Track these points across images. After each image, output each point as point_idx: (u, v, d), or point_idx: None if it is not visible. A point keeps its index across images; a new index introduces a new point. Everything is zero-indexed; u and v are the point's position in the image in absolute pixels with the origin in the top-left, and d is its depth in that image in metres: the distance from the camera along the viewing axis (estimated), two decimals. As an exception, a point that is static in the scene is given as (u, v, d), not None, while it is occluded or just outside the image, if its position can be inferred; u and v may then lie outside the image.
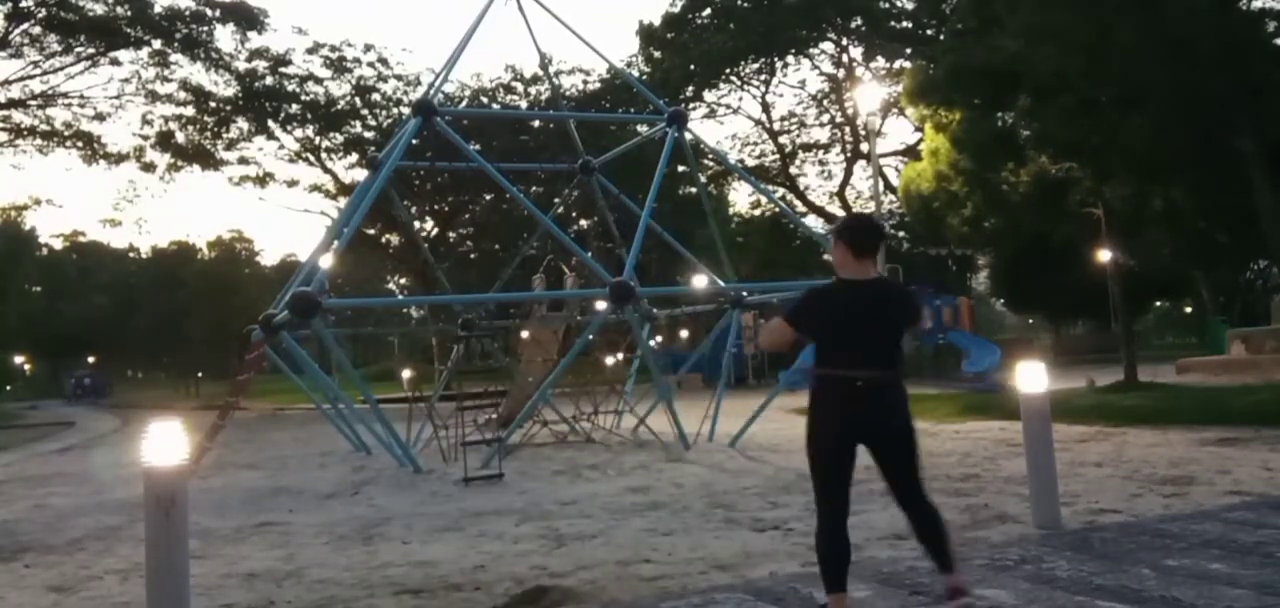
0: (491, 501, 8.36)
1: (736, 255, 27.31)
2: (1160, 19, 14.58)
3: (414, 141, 13.46)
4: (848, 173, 44.17)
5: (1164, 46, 14.57)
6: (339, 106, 38.42)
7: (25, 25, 32.12)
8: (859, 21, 38.60)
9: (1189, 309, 55.97)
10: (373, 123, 38.67)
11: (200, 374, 65.44)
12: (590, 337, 12.80)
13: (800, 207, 41.54)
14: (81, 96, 35.33)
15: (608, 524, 6.88)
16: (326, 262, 12.63)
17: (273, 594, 5.30)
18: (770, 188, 39.75)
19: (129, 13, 33.09)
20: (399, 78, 38.71)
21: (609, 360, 16.44)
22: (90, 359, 74.08)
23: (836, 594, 3.77)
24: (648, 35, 39.98)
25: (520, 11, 15.16)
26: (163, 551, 4.46)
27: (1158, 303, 54.28)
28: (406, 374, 29.64)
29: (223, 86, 36.51)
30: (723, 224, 31.45)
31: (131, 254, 68.04)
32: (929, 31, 34.09)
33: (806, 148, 45.23)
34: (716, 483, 8.76)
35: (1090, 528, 5.78)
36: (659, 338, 21.77)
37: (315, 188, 40.66)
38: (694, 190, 28.35)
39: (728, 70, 40.36)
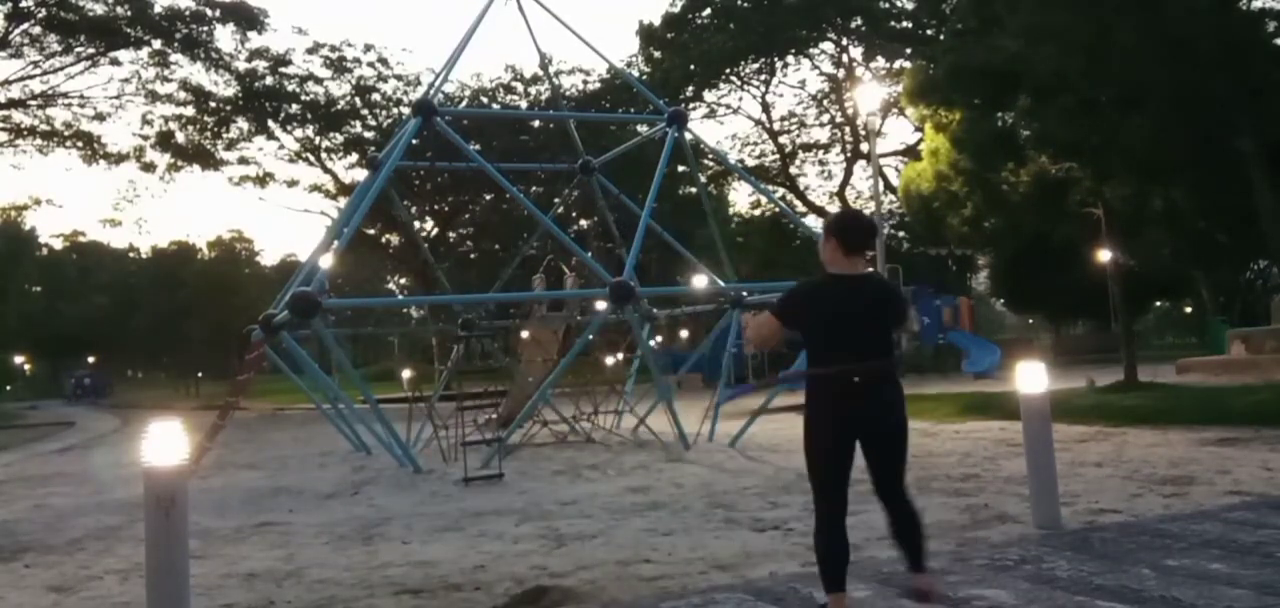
0: (491, 501, 8.35)
1: (736, 255, 27.30)
2: (1160, 19, 14.58)
3: (414, 142, 13.47)
4: (848, 173, 44.21)
5: (1164, 46, 14.57)
6: (339, 106, 38.43)
7: (25, 25, 32.13)
8: (859, 21, 38.61)
9: (1189, 309, 55.97)
10: (373, 123, 38.68)
11: (200, 374, 65.47)
12: (590, 337, 12.80)
13: (800, 206, 41.54)
14: (81, 96, 35.37)
15: (608, 524, 6.88)
16: (326, 262, 12.63)
17: (273, 594, 5.30)
18: (770, 188, 39.77)
19: (129, 13, 33.10)
20: (399, 78, 38.76)
21: (609, 360, 16.44)
22: (90, 359, 74.11)
23: (836, 594, 3.76)
24: (648, 35, 39.98)
25: (520, 11, 15.18)
26: (163, 551, 4.46)
27: (1158, 303, 54.27)
28: (406, 374, 29.64)
29: (223, 86, 36.56)
30: (723, 224, 31.44)
31: (131, 254, 68.13)
32: (929, 31, 34.10)
33: (806, 148, 45.26)
34: (716, 483, 8.76)
35: (1090, 528, 5.78)
36: (659, 338, 21.76)
37: (315, 188, 40.71)
38: (694, 190, 28.36)
39: (728, 70, 40.37)
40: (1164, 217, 18.28)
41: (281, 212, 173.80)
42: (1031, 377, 6.00)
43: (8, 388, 69.47)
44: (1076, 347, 43.57)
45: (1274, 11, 16.94)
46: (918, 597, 3.84)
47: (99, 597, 5.53)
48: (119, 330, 69.29)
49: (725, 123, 76.51)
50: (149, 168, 38.26)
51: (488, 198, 39.70)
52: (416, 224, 38.25)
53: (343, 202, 34.05)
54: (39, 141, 35.43)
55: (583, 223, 35.20)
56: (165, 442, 4.50)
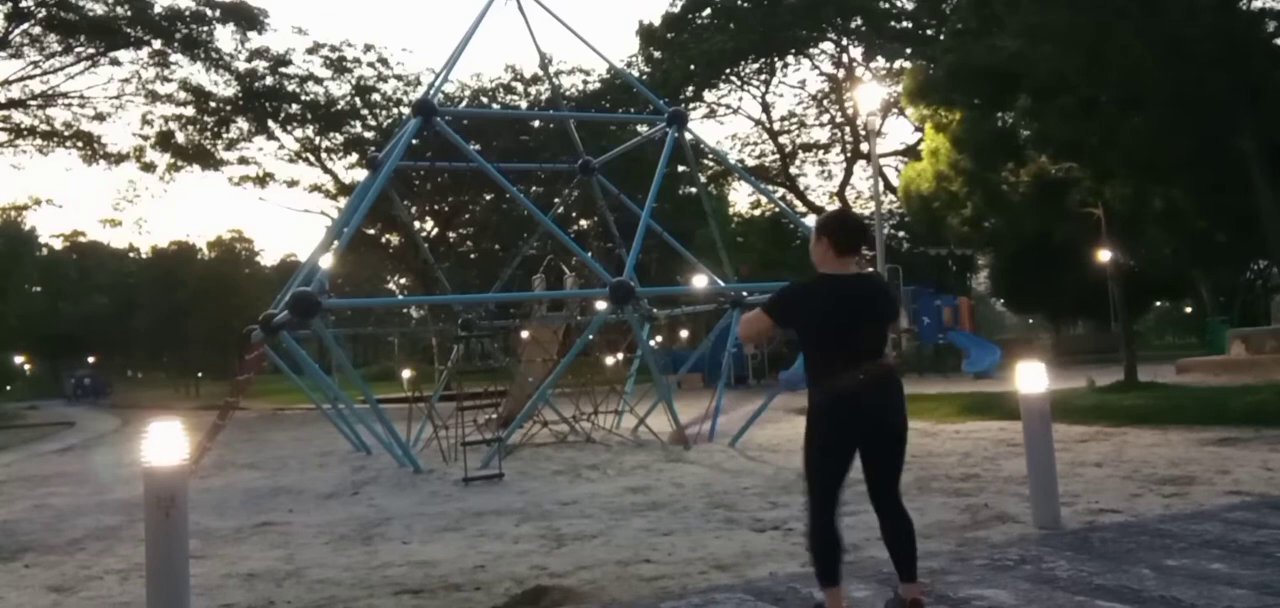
0: (491, 501, 8.35)
1: (736, 256, 27.30)
2: (1160, 19, 14.59)
3: (414, 142, 13.46)
4: (848, 173, 44.23)
5: (1164, 47, 14.58)
6: (339, 107, 38.45)
7: (25, 25, 32.14)
8: (859, 21, 38.62)
9: (1189, 309, 55.98)
10: (373, 123, 38.70)
11: (200, 374, 65.44)
12: (590, 337, 12.80)
13: (800, 206, 41.56)
14: (81, 96, 35.39)
15: (608, 524, 6.88)
16: (326, 262, 12.63)
17: (273, 594, 5.30)
18: (770, 188, 39.79)
19: (129, 13, 33.10)
20: (399, 78, 38.79)
21: (609, 360, 16.45)
22: (90, 359, 74.11)
23: (831, 589, 3.77)
24: (648, 35, 40.00)
25: (520, 11, 15.17)
26: (163, 551, 4.46)
27: (1158, 303, 54.29)
28: (407, 374, 29.67)
29: (223, 86, 36.58)
30: (723, 224, 31.44)
31: (131, 254, 68.12)
32: (929, 31, 34.10)
33: (806, 148, 45.30)
34: (716, 483, 8.76)
35: (1090, 528, 5.78)
36: (659, 338, 21.77)
37: (315, 188, 40.73)
38: (694, 190, 28.38)
39: (728, 70, 40.39)
40: (1164, 217, 18.28)
41: (281, 212, 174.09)
42: (1031, 377, 5.99)
43: (8, 388, 69.41)
44: (1076, 347, 43.54)
45: (1274, 11, 16.95)
46: (909, 607, 3.84)
47: (99, 597, 5.53)
48: (119, 330, 69.31)
49: (725, 123, 76.67)
50: (149, 168, 38.31)
51: (488, 198, 39.72)
52: (416, 224, 38.26)
53: (343, 202, 34.07)
54: (39, 141, 35.48)
55: (583, 223, 35.23)
56: (165, 442, 4.50)
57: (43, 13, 31.92)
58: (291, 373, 14.71)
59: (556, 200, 21.43)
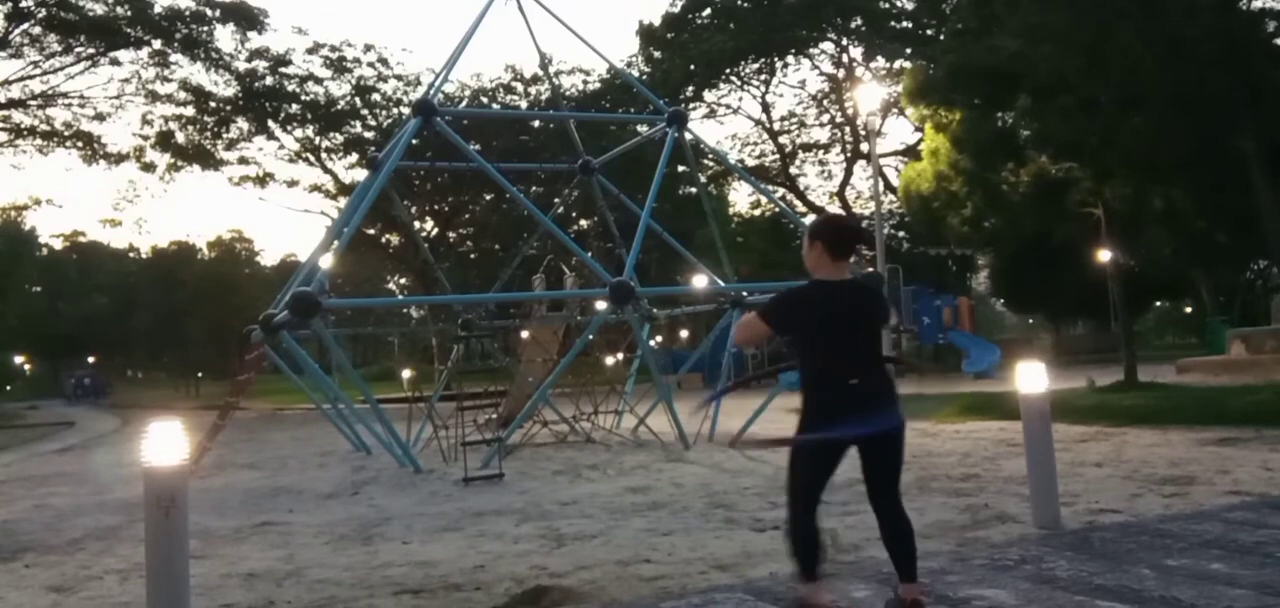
0: (491, 501, 8.35)
1: (736, 256, 27.31)
2: (1160, 19, 14.60)
3: (414, 142, 13.46)
4: (848, 173, 44.25)
5: (1164, 47, 14.59)
6: (339, 107, 38.47)
7: (25, 25, 32.15)
8: (859, 21, 38.63)
9: (1189, 309, 56.00)
10: (373, 123, 38.73)
11: (200, 374, 65.46)
12: (590, 337, 12.79)
13: (800, 206, 41.58)
14: (81, 96, 35.43)
15: (608, 524, 6.88)
16: (326, 262, 12.63)
17: (273, 594, 5.29)
18: (770, 188, 39.79)
19: (129, 13, 33.13)
20: (399, 78, 38.82)
21: (609, 360, 16.44)
22: (90, 359, 74.11)
23: (812, 583, 3.78)
24: (648, 35, 40.01)
25: (520, 11, 15.17)
26: (163, 551, 4.45)
27: (1158, 303, 54.32)
28: (407, 374, 29.68)
29: (223, 86, 36.63)
30: (723, 224, 31.47)
31: (131, 254, 68.17)
32: (929, 31, 34.12)
33: (806, 148, 45.32)
34: (716, 483, 8.76)
35: (1090, 528, 5.77)
36: (659, 338, 21.77)
37: (315, 188, 40.78)
38: (694, 190, 28.38)
39: (728, 70, 40.40)
40: (1164, 217, 18.30)
41: (281, 212, 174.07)
42: (1031, 377, 5.99)
43: (8, 388, 69.46)
44: (1076, 347, 43.59)
45: (1274, 11, 16.97)
46: None
47: (99, 597, 5.53)
48: (119, 330, 69.35)
49: (725, 123, 76.64)
50: (149, 168, 38.36)
51: (488, 198, 39.74)
52: (416, 224, 38.27)
53: (343, 202, 34.08)
54: (39, 141, 35.52)
55: (583, 223, 35.24)
56: (165, 442, 4.50)
57: (43, 13, 31.95)
58: (291, 373, 14.71)
59: (556, 200, 21.43)
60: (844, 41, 40.59)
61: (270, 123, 38.20)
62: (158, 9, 33.70)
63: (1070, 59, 15.49)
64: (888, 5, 38.62)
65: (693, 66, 38.95)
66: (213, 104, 36.95)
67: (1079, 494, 6.92)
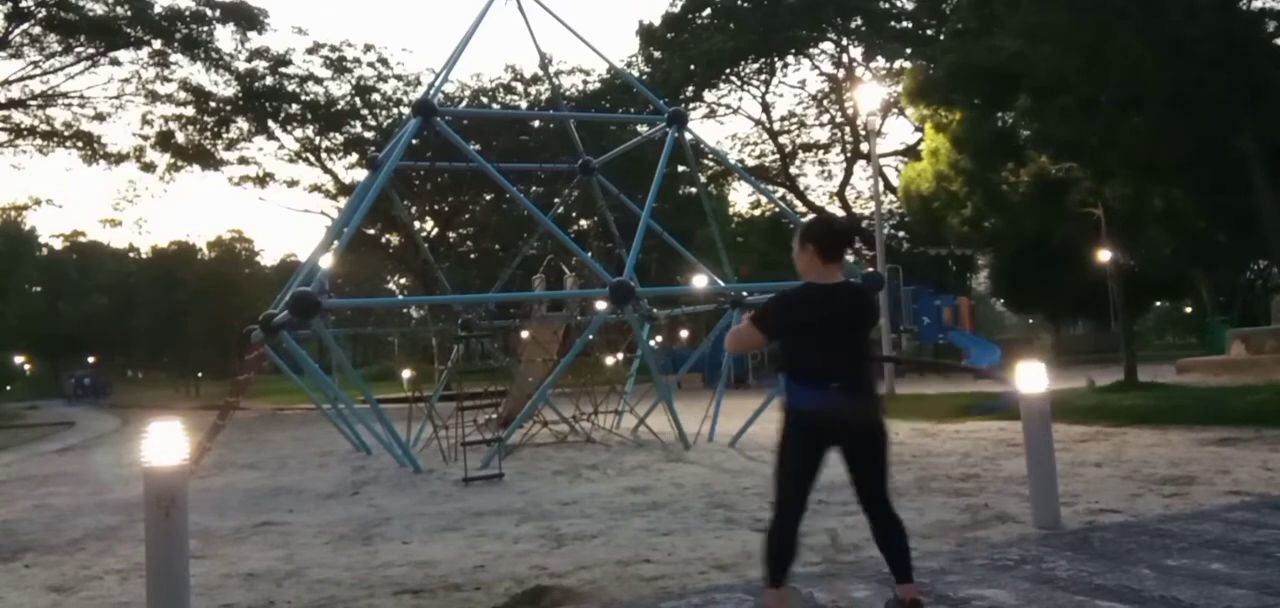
0: (491, 501, 8.35)
1: (736, 256, 27.32)
2: (1160, 19, 14.59)
3: (414, 142, 13.46)
4: (848, 173, 44.25)
5: (1164, 47, 14.58)
6: (339, 106, 38.48)
7: (25, 25, 32.15)
8: (859, 21, 38.64)
9: (1189, 309, 56.01)
10: (373, 123, 38.73)
11: (200, 374, 65.48)
12: (590, 337, 12.79)
13: (800, 207, 41.58)
14: (81, 96, 35.44)
15: (608, 524, 6.88)
16: (326, 262, 12.62)
17: (273, 594, 5.29)
18: (770, 188, 39.80)
19: (129, 13, 33.13)
20: (399, 78, 38.83)
21: (609, 360, 16.44)
22: (90, 359, 74.13)
23: (775, 590, 3.78)
24: (648, 35, 40.01)
25: (520, 11, 15.17)
26: (163, 551, 4.46)
27: (1158, 303, 54.32)
28: (407, 374, 29.69)
29: (223, 86, 36.63)
30: (723, 224, 31.48)
31: (131, 254, 68.20)
32: (929, 31, 34.13)
33: (806, 148, 45.32)
34: (716, 483, 8.76)
35: (1090, 528, 5.78)
36: (659, 338, 21.77)
37: (315, 188, 40.78)
38: (694, 190, 28.38)
39: (728, 70, 40.40)
40: (1164, 217, 18.30)
41: (281, 212, 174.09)
42: (1031, 377, 6.00)
43: (8, 388, 69.48)
44: (1076, 347, 43.61)
45: (1274, 11, 16.96)
46: None
47: (99, 597, 5.53)
48: (119, 330, 69.36)
49: (725, 123, 76.67)
50: (149, 168, 38.36)
51: (488, 198, 39.75)
52: (416, 224, 38.27)
53: (343, 202, 34.09)
54: (39, 141, 35.52)
55: (583, 223, 35.24)
56: (165, 442, 4.50)
57: (43, 13, 31.95)
58: (291, 373, 14.71)
59: (556, 200, 21.44)
60: (844, 41, 40.60)
61: (270, 123, 38.21)
62: (158, 9, 33.74)
63: (1070, 59, 15.48)
64: (888, 5, 38.62)
65: (693, 66, 38.95)
66: (213, 104, 36.96)
67: (1079, 494, 6.92)
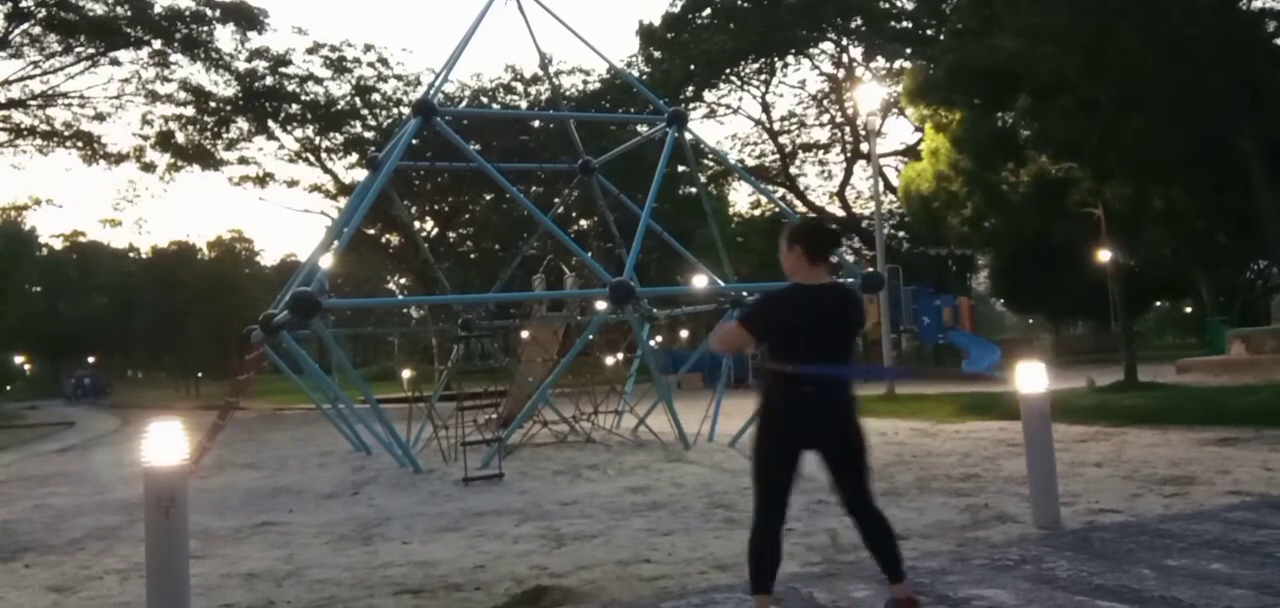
0: (491, 501, 8.35)
1: (736, 256, 27.32)
2: (1160, 19, 14.60)
3: (414, 142, 13.46)
4: (848, 173, 44.26)
5: (1164, 47, 14.59)
6: (339, 107, 38.48)
7: (25, 25, 32.15)
8: (859, 21, 38.64)
9: (1189, 309, 56.01)
10: (373, 123, 38.74)
11: (200, 374, 65.49)
12: (590, 337, 12.79)
13: (800, 206, 41.59)
14: (81, 96, 35.45)
15: (608, 524, 6.88)
16: (326, 262, 12.62)
17: (273, 594, 5.29)
18: (770, 188, 39.79)
19: (129, 13, 33.14)
20: (399, 78, 38.83)
21: (609, 360, 16.44)
22: (90, 359, 74.12)
23: (762, 596, 3.76)
24: (648, 35, 40.01)
25: (520, 11, 15.17)
26: (163, 551, 4.46)
27: (1158, 303, 54.32)
28: (407, 374, 29.69)
29: (223, 86, 36.64)
30: (723, 224, 31.46)
31: (131, 254, 68.20)
32: (929, 31, 34.13)
33: (806, 148, 45.32)
34: (716, 483, 8.76)
35: (1090, 528, 5.78)
36: (659, 338, 21.77)
37: (315, 188, 40.79)
38: (694, 190, 28.38)
39: (728, 70, 40.40)
40: (1164, 217, 18.30)
41: (281, 212, 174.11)
42: (1031, 377, 5.99)
43: (8, 388, 69.49)
44: (1076, 347, 43.62)
45: (1274, 11, 16.97)
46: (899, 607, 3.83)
47: (99, 597, 5.53)
48: (119, 330, 69.35)
49: (725, 123, 76.70)
50: (149, 168, 38.36)
51: (488, 198, 39.75)
52: (416, 224, 38.28)
53: (343, 202, 34.09)
54: (39, 141, 35.53)
55: (583, 223, 35.24)
56: (165, 442, 4.50)
57: (43, 13, 31.95)
58: (291, 373, 14.71)
59: (556, 200, 21.44)
60: (844, 41, 40.60)
61: (270, 123, 38.22)
62: (158, 9, 33.74)
63: (1070, 59, 15.49)
64: (888, 5, 38.62)
65: (693, 66, 38.95)
66: (213, 104, 36.97)
67: (1079, 494, 6.92)
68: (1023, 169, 17.34)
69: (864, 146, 39.30)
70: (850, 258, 30.92)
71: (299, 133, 39.08)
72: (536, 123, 37.94)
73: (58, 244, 70.38)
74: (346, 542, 6.80)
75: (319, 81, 37.82)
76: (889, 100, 35.96)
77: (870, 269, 17.90)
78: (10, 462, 15.87)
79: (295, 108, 38.03)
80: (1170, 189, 17.07)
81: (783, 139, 44.44)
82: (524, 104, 39.77)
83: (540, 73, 34.56)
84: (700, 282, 15.25)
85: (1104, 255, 22.03)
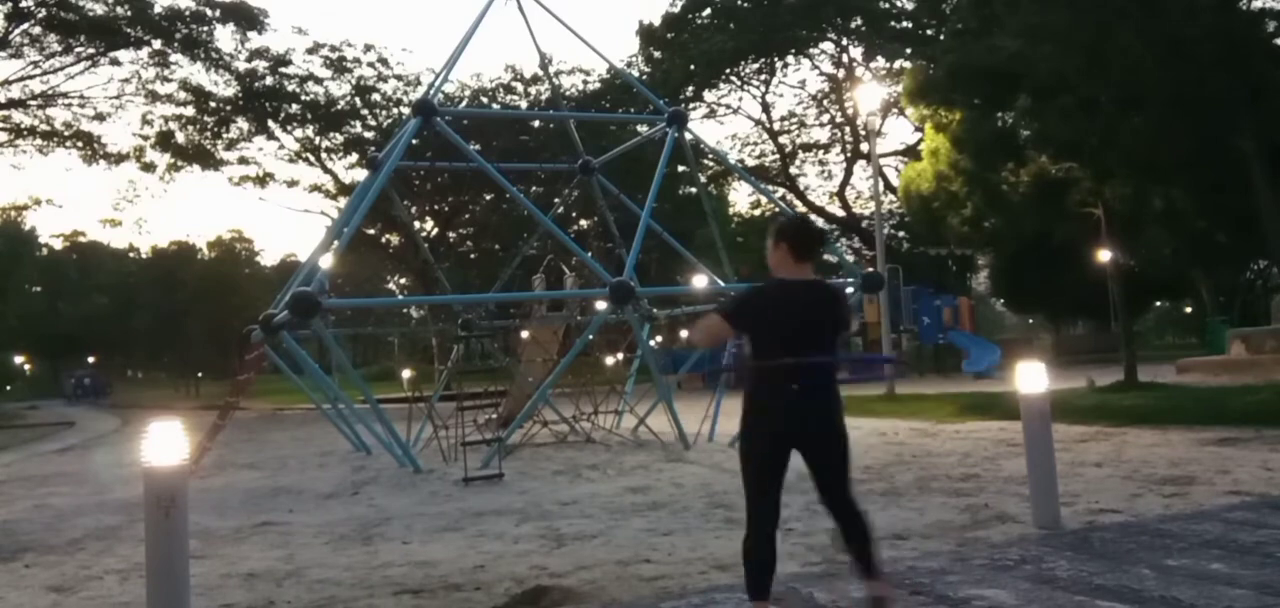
0: (491, 501, 8.35)
1: (736, 256, 27.29)
2: (1160, 19, 14.60)
3: (414, 142, 13.46)
4: (848, 173, 44.26)
5: (1164, 47, 14.59)
6: (339, 107, 38.49)
7: (25, 25, 32.15)
8: (859, 21, 38.64)
9: (1189, 309, 56.02)
10: (373, 123, 38.74)
11: (200, 374, 65.49)
12: (590, 337, 12.79)
13: (800, 207, 41.58)
14: (81, 96, 35.46)
15: (608, 524, 6.88)
16: (326, 262, 12.62)
17: (273, 594, 5.30)
18: (770, 188, 39.79)
19: (129, 13, 33.14)
20: (399, 78, 38.83)
21: (609, 360, 16.44)
22: (90, 359, 74.11)
23: (759, 601, 3.73)
24: (648, 35, 40.01)
25: (520, 11, 15.16)
26: (163, 551, 4.45)
27: (1158, 303, 54.33)
28: (407, 374, 29.69)
29: (223, 86, 36.64)
30: (723, 224, 31.45)
31: (131, 254, 68.20)
32: (929, 31, 34.13)
33: (806, 148, 45.33)
34: (716, 483, 8.76)
35: (1090, 528, 5.78)
36: (659, 338, 21.77)
37: (315, 188, 40.79)
38: (694, 190, 28.37)
39: (728, 70, 40.40)
40: (1164, 217, 18.30)
41: (281, 212, 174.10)
42: (1031, 377, 5.99)
43: (8, 388, 69.48)
44: (1076, 347, 43.59)
45: (1274, 11, 16.97)
46: (875, 605, 3.82)
47: (99, 597, 5.53)
48: (119, 330, 69.36)
49: (725, 123, 76.67)
50: (149, 168, 38.37)
51: (488, 198, 39.75)
52: (416, 224, 38.27)
53: (343, 202, 34.09)
54: (39, 141, 35.54)
55: (583, 223, 35.24)
56: (165, 442, 4.50)
57: (43, 13, 31.95)
58: (291, 373, 14.71)
59: (556, 200, 21.43)
60: (844, 41, 40.61)
61: (270, 123, 38.22)
62: (158, 9, 33.74)
63: (1070, 59, 15.49)
64: (888, 5, 38.62)
65: (693, 66, 38.95)
66: (213, 104, 36.97)
67: (1079, 494, 6.92)
68: (1023, 169, 17.34)
69: (864, 147, 39.30)
70: (850, 258, 30.91)
71: (299, 133, 39.11)
72: (536, 123, 37.93)
73: (58, 244, 70.49)
74: (346, 542, 6.80)
75: (319, 81, 37.86)
76: (889, 100, 35.96)
77: (870, 269, 17.90)
78: (10, 462, 15.87)
79: (295, 108, 38.04)
80: (1170, 189, 17.07)
81: (783, 139, 44.45)
82: (524, 104, 39.77)
83: (540, 73, 34.57)
84: (700, 282, 15.24)
85: (1104, 255, 22.04)
